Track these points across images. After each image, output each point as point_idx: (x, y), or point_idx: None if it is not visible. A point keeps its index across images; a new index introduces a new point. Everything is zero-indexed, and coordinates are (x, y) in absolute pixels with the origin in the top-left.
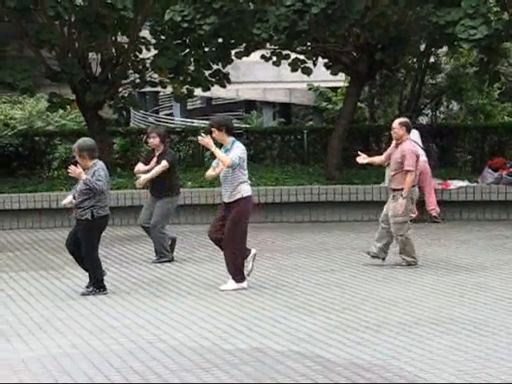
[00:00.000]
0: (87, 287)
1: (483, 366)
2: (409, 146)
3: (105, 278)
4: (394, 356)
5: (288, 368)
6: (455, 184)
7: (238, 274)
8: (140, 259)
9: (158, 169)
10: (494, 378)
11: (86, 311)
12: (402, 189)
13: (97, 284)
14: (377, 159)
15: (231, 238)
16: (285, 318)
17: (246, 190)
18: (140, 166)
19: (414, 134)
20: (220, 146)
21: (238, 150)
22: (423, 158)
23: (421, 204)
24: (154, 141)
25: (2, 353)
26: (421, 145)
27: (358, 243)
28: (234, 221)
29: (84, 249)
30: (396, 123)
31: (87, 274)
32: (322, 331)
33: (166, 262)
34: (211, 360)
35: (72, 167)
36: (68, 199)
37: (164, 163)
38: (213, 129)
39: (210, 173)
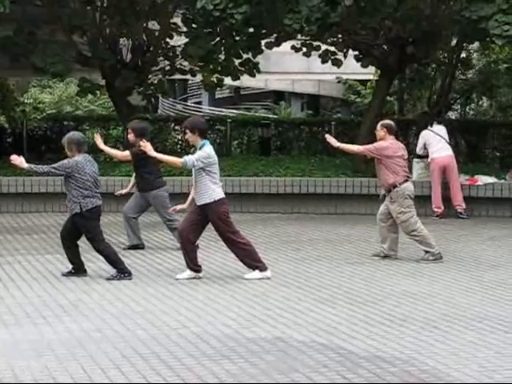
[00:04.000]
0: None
1: (507, 362)
2: (380, 142)
3: (129, 264)
4: (417, 350)
5: (310, 358)
6: (483, 180)
7: (257, 264)
8: (165, 245)
9: (117, 153)
10: None
11: (110, 296)
12: (390, 188)
13: (119, 270)
14: (353, 148)
15: (227, 238)
16: (308, 308)
17: (216, 192)
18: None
19: (441, 130)
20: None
21: (200, 153)
22: (448, 152)
23: (447, 200)
24: (130, 136)
25: (28, 335)
26: (447, 140)
27: None
28: (217, 226)
29: (90, 243)
30: (378, 124)
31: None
32: (346, 323)
33: None
34: (233, 348)
35: (13, 156)
36: None
37: (126, 152)
38: (186, 130)
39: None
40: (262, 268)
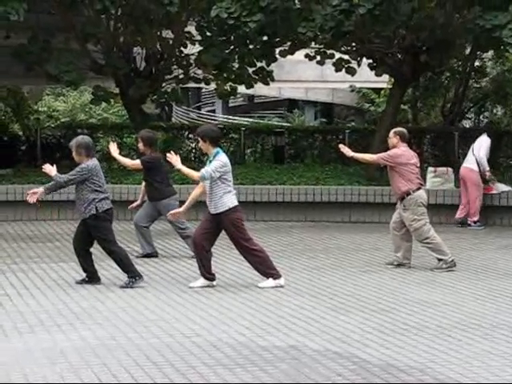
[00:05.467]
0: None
1: None
2: (395, 150)
3: (143, 272)
4: (431, 359)
5: (324, 367)
6: (498, 188)
7: (271, 271)
8: (178, 254)
9: (127, 161)
10: None
11: (124, 304)
12: (403, 196)
13: (131, 273)
14: (366, 157)
15: (241, 245)
16: (322, 317)
17: (231, 200)
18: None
19: (479, 139)
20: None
21: (215, 163)
22: (467, 165)
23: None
24: (140, 145)
25: (42, 342)
26: (473, 151)
27: None
28: (231, 233)
29: (101, 244)
30: (391, 132)
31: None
32: (360, 332)
33: None
34: (248, 356)
35: (46, 166)
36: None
37: (136, 161)
38: (198, 138)
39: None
40: (276, 276)
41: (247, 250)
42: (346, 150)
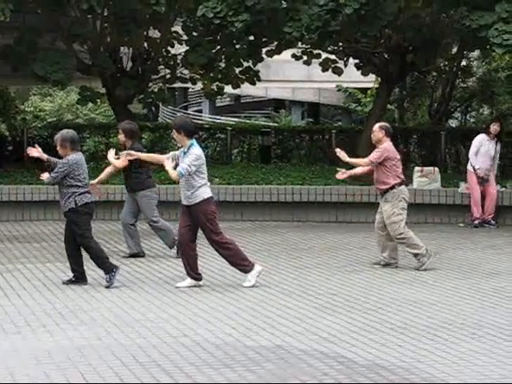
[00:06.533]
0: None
1: (508, 371)
2: (383, 145)
3: (130, 272)
4: (417, 359)
5: (310, 367)
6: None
7: (244, 263)
8: (165, 254)
9: (116, 162)
10: None
11: (110, 304)
12: (387, 190)
13: (107, 268)
14: (361, 162)
15: (212, 239)
16: (309, 317)
17: (206, 192)
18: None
19: (477, 140)
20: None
21: (190, 157)
22: (468, 167)
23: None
24: (121, 137)
25: (28, 343)
26: (469, 151)
27: None
28: (203, 226)
29: (78, 239)
30: (376, 126)
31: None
32: (346, 331)
33: None
34: (234, 356)
35: (44, 174)
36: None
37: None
38: (173, 129)
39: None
40: (251, 267)
41: (218, 244)
42: (342, 155)
